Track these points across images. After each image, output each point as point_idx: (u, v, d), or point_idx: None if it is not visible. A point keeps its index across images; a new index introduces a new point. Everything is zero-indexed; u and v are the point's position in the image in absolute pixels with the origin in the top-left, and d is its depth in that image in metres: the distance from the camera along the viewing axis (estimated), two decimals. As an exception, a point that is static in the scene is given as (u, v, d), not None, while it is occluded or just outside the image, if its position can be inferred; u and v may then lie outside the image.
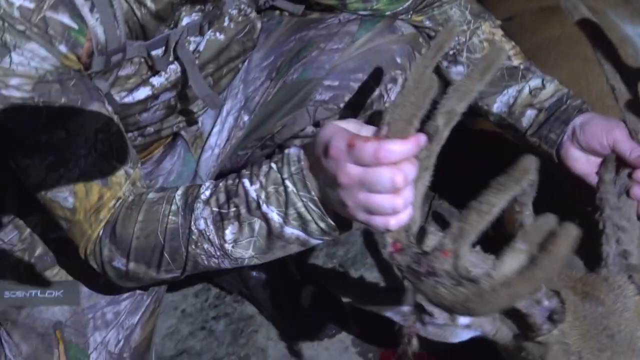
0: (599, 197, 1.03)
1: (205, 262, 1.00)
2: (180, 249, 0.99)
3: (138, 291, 1.32)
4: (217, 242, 0.97)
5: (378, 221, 0.83)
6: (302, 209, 0.91)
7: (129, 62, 1.10)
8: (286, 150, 0.92)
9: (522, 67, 1.30)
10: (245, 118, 1.37)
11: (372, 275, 1.75)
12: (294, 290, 1.68)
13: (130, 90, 1.13)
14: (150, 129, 1.27)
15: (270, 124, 1.34)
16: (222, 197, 0.96)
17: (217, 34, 1.21)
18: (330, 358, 1.64)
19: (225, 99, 1.37)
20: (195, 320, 1.75)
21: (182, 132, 1.37)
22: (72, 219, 1.04)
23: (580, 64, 1.58)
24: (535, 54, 1.66)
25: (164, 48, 1.12)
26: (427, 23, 1.34)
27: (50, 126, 0.99)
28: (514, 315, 0.92)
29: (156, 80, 1.15)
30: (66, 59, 0.99)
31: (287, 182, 0.90)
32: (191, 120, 1.32)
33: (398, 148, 0.79)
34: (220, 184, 0.98)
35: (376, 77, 1.27)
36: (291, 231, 0.93)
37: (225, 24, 1.21)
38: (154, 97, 1.17)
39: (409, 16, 1.33)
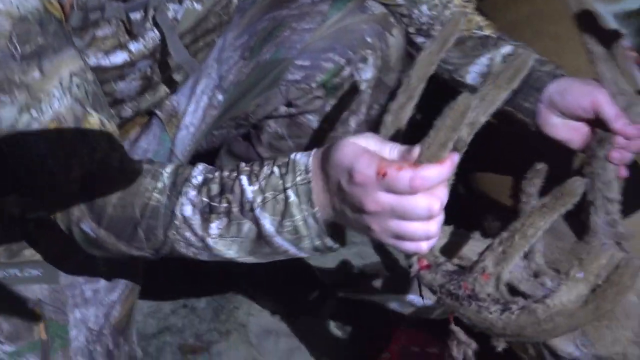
0: (590, 171, 1.04)
1: (183, 250, 0.97)
2: (158, 230, 0.96)
3: (116, 269, 1.33)
4: (199, 233, 0.93)
5: (409, 246, 0.80)
6: (300, 223, 0.86)
7: (107, 23, 1.10)
8: (292, 156, 0.87)
9: (494, 35, 1.28)
10: (220, 97, 1.37)
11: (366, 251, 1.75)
12: (274, 267, 1.70)
13: (107, 53, 1.13)
14: (128, 108, 1.28)
15: (244, 104, 1.35)
16: (215, 189, 0.92)
17: (195, 3, 1.21)
18: (310, 332, 1.67)
19: (200, 77, 1.37)
20: (176, 298, 1.77)
21: (157, 112, 1.37)
22: (42, 165, 1.00)
23: (552, 42, 1.58)
24: (508, 32, 1.68)
25: (143, 12, 1.12)
26: (400, 1, 1.34)
27: (25, 65, 0.97)
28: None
29: (134, 46, 1.15)
30: (50, 4, 0.98)
31: (290, 192, 0.85)
32: (166, 97, 1.33)
33: (435, 174, 0.75)
34: (216, 174, 0.93)
35: (347, 56, 1.29)
36: (282, 242, 0.89)
37: None
38: (131, 63, 1.17)
39: None
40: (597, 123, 1.11)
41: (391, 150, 0.80)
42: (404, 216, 0.77)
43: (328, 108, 1.34)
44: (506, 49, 1.26)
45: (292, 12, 1.33)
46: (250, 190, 0.89)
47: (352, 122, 1.35)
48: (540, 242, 0.97)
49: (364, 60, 1.29)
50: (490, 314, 0.76)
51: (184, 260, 1.72)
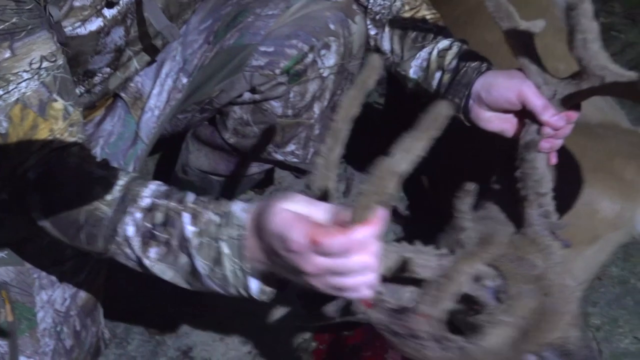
0: (522, 171, 1.07)
1: (123, 261, 0.99)
2: (99, 240, 0.97)
3: (83, 252, 1.34)
4: (138, 254, 0.96)
5: (351, 295, 0.84)
6: (229, 273, 0.90)
7: None
8: (233, 207, 0.90)
9: (434, 29, 1.28)
10: (184, 80, 1.38)
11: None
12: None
13: (84, 22, 1.13)
14: (97, 82, 1.28)
15: (208, 88, 1.36)
16: (160, 218, 0.94)
17: None
18: (276, 312, 1.68)
19: (164, 60, 1.37)
20: (145, 280, 1.77)
21: (122, 94, 1.37)
22: (2, 146, 1.01)
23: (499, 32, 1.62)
24: (468, 18, 1.70)
25: None
26: None
27: None
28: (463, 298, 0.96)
29: (108, 12, 1.15)
30: None
31: (223, 244, 0.89)
32: (135, 75, 1.33)
33: (366, 235, 0.78)
34: (164, 202, 0.95)
35: (310, 43, 1.29)
36: (211, 284, 0.93)
37: None
38: (105, 31, 1.17)
39: None
40: (525, 114, 1.11)
41: (323, 212, 0.82)
42: (341, 274, 0.81)
43: (292, 94, 1.35)
44: (443, 43, 1.25)
45: None
46: (190, 230, 0.92)
47: (316, 108, 1.37)
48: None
49: (327, 47, 1.30)
50: (430, 352, 0.81)
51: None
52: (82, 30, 1.14)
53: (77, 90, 1.27)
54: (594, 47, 0.96)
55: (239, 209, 0.90)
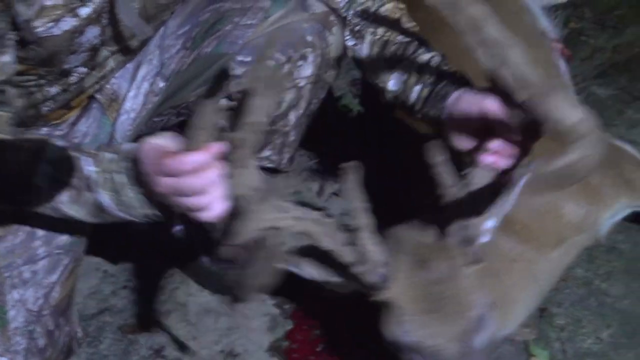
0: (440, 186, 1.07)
1: (41, 211, 1.15)
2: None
3: (55, 250, 1.34)
4: (53, 201, 1.11)
5: (201, 215, 1.00)
6: (130, 199, 1.08)
7: None
8: (124, 146, 1.10)
9: (415, 42, 1.28)
10: (161, 84, 1.38)
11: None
12: (211, 246, 1.73)
13: (57, 21, 1.13)
14: (73, 81, 1.28)
15: (184, 93, 1.37)
16: (67, 166, 1.09)
17: None
18: (248, 311, 1.70)
19: (141, 63, 1.38)
20: (117, 280, 1.77)
21: (98, 95, 1.37)
22: None
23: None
24: (440, 23, 1.73)
25: None
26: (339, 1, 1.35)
27: None
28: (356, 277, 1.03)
29: (83, 11, 1.16)
30: None
31: (120, 176, 1.08)
32: (110, 75, 1.33)
33: (199, 158, 0.96)
34: (67, 153, 1.11)
35: (287, 54, 1.30)
36: (118, 213, 1.11)
37: None
38: (79, 30, 1.17)
39: None
40: (486, 129, 1.09)
41: (176, 144, 1.01)
42: (181, 194, 0.98)
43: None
44: (423, 57, 1.24)
45: (235, 5, 1.33)
46: (91, 170, 1.10)
47: (292, 116, 1.38)
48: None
49: (304, 58, 1.31)
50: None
51: (126, 242, 1.76)
52: (55, 31, 1.14)
53: (53, 90, 1.27)
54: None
55: (129, 146, 1.10)
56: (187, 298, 1.71)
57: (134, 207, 1.09)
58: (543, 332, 1.56)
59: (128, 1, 1.18)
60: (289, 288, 1.67)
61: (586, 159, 0.98)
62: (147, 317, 1.69)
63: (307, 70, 1.33)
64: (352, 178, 0.98)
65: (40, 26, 1.11)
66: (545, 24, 1.82)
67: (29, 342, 1.31)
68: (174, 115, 1.40)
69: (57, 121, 1.37)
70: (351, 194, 0.99)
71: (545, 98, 0.97)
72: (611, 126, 1.90)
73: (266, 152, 1.42)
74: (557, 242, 1.41)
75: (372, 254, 1.01)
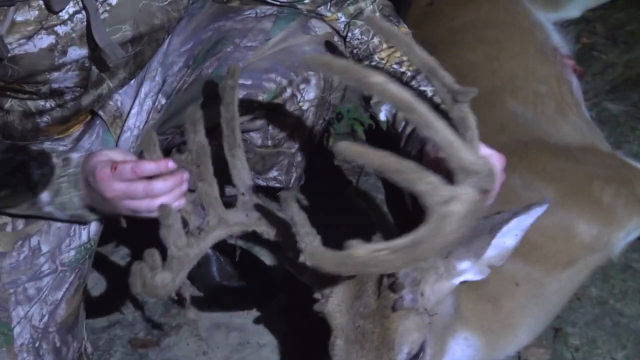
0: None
1: None
2: None
3: (60, 267, 1.35)
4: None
5: (145, 215, 1.14)
6: (65, 200, 1.21)
7: (27, 6, 1.08)
8: (72, 154, 1.22)
9: (408, 74, 1.27)
10: (163, 101, 1.37)
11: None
12: (222, 262, 1.72)
13: (30, 37, 1.11)
14: (68, 98, 1.27)
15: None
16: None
17: None
18: (259, 327, 1.69)
19: (144, 80, 1.37)
20: (127, 292, 1.78)
21: (101, 112, 1.36)
22: None
23: (493, 47, 1.62)
24: (452, 38, 1.72)
25: None
26: (342, 19, 1.34)
27: None
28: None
29: (61, 29, 1.13)
30: None
31: (62, 179, 1.20)
32: (109, 94, 1.33)
33: (148, 167, 1.11)
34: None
35: (289, 78, 1.28)
36: (50, 209, 1.23)
37: None
38: (61, 50, 1.15)
39: (328, 9, 1.34)
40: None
41: (127, 157, 1.15)
42: (132, 197, 1.13)
43: (271, 127, 1.35)
44: (419, 89, 1.24)
45: (236, 25, 1.32)
46: (37, 173, 1.21)
47: (297, 138, 1.36)
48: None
49: (307, 81, 1.29)
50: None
51: (136, 254, 1.76)
52: (30, 48, 1.12)
53: (48, 104, 1.27)
54: None
55: (77, 155, 1.22)
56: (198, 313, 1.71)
57: (65, 207, 1.22)
58: (557, 352, 1.53)
59: (100, 22, 1.14)
60: (300, 304, 1.69)
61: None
62: (157, 331, 1.69)
63: (310, 93, 1.31)
64: (291, 206, 1.01)
65: (13, 42, 1.10)
66: (557, 39, 1.81)
67: (35, 358, 1.32)
68: (178, 134, 1.39)
69: (60, 135, 1.37)
70: (294, 218, 1.00)
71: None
72: (624, 142, 1.87)
73: (273, 173, 1.41)
74: (568, 262, 1.39)
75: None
